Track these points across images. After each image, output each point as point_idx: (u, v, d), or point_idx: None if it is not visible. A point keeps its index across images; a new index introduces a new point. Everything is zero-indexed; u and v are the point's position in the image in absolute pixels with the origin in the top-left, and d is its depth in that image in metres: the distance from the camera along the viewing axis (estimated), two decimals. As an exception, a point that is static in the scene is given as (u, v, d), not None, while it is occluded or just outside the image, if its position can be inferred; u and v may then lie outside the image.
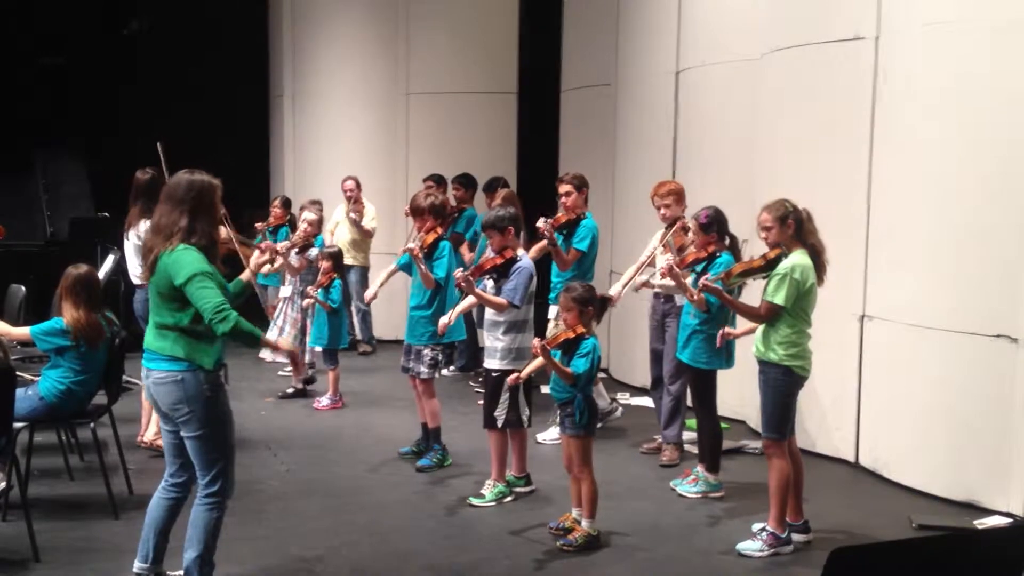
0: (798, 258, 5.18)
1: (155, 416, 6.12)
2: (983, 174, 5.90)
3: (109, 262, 8.63)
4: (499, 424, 5.97)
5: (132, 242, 6.74)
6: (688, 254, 6.17)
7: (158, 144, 5.74)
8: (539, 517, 5.74)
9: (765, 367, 5.27)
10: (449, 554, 5.26)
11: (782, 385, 5.22)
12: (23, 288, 7.58)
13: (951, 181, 6.03)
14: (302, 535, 5.47)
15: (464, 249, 9.04)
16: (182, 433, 4.39)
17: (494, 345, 5.95)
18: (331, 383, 8.37)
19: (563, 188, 7.12)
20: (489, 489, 6.04)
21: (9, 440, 4.98)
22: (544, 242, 7.09)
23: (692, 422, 6.60)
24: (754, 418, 6.71)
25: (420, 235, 6.54)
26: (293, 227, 9.04)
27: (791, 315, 5.17)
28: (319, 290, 8.22)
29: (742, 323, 5.76)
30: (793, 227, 5.21)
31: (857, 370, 6.72)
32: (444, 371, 9.11)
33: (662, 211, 6.69)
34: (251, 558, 5.12)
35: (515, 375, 5.64)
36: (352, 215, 10.27)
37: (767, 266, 5.32)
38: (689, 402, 6.58)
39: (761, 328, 5.28)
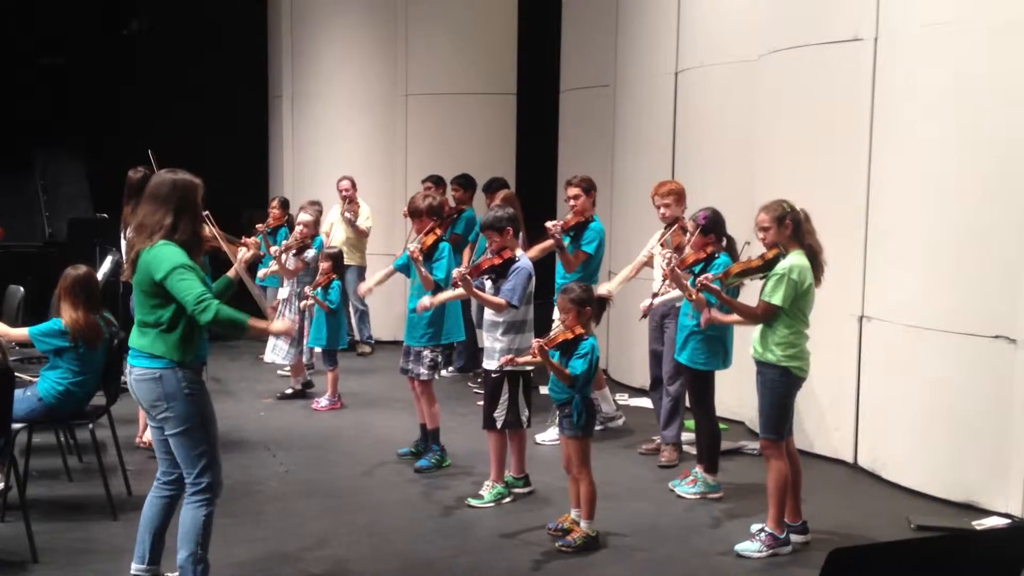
0: (796, 259, 5.18)
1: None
2: (982, 175, 5.90)
3: (108, 263, 8.62)
4: (498, 425, 5.97)
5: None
6: (687, 255, 6.16)
7: (149, 152, 5.76)
8: (538, 518, 5.74)
9: (763, 368, 5.27)
10: (447, 555, 5.26)
11: (780, 386, 5.22)
12: (21, 289, 7.58)
13: (950, 181, 6.03)
14: (301, 536, 5.47)
15: (466, 252, 9.03)
16: (165, 430, 4.41)
17: (493, 346, 5.95)
18: (330, 384, 8.36)
19: (571, 191, 7.10)
20: (488, 490, 6.04)
21: (8, 441, 4.98)
22: (546, 243, 7.09)
23: (691, 423, 6.60)
24: (752, 419, 6.71)
25: (419, 237, 6.54)
26: (292, 228, 9.03)
27: (789, 316, 5.17)
28: (317, 290, 8.22)
29: (731, 315, 5.74)
30: (791, 228, 5.21)
31: (856, 371, 6.72)
32: (443, 372, 9.12)
33: (662, 211, 6.69)
34: (249, 559, 5.11)
35: (509, 356, 5.60)
36: (347, 214, 10.28)
37: (765, 266, 5.31)
38: (688, 403, 6.58)
39: (759, 329, 5.28)
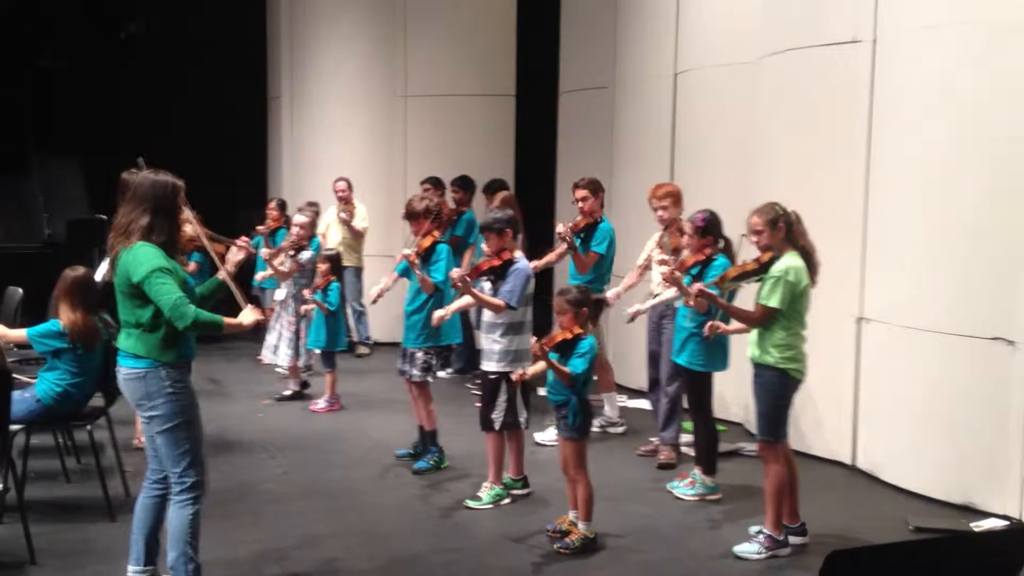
0: (790, 260, 5.19)
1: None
2: (980, 176, 5.90)
3: (106, 264, 8.61)
4: (496, 426, 5.97)
5: None
6: (686, 258, 6.17)
7: (140, 157, 5.73)
8: (536, 519, 5.74)
9: (760, 370, 5.27)
10: (445, 556, 5.26)
11: (777, 388, 5.22)
12: (20, 290, 7.57)
13: (948, 183, 6.03)
14: (298, 537, 5.46)
15: (467, 254, 9.02)
16: (151, 429, 4.42)
17: (491, 347, 5.94)
18: (328, 385, 8.36)
19: (580, 193, 7.14)
20: (486, 491, 6.04)
21: (5, 442, 4.98)
22: (550, 256, 7.14)
23: (689, 425, 6.60)
24: (750, 421, 6.71)
25: (416, 239, 6.53)
26: (290, 229, 9.03)
27: (786, 317, 5.17)
28: (317, 292, 8.21)
29: (734, 324, 5.76)
30: (784, 230, 5.22)
31: (854, 372, 6.72)
32: (441, 373, 9.11)
33: (659, 213, 6.70)
34: (247, 559, 5.11)
35: (520, 372, 5.59)
36: (342, 215, 10.27)
37: (760, 269, 5.31)
38: (686, 404, 6.58)
39: (756, 331, 5.28)
